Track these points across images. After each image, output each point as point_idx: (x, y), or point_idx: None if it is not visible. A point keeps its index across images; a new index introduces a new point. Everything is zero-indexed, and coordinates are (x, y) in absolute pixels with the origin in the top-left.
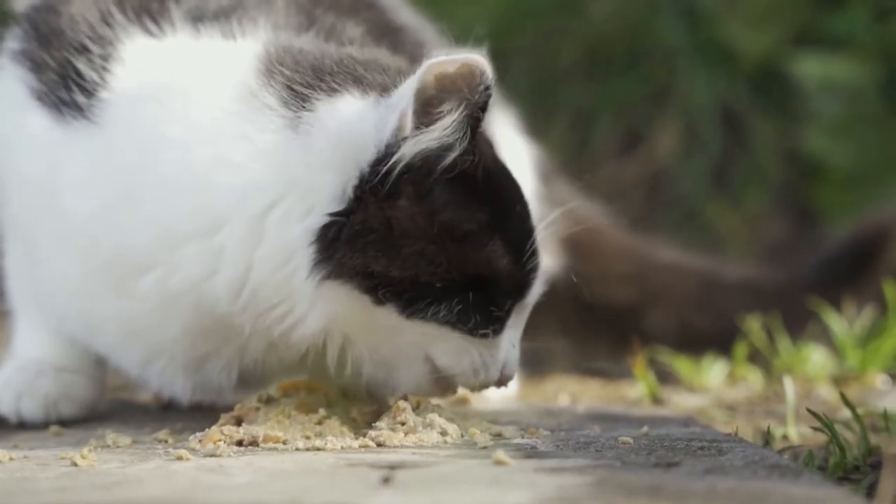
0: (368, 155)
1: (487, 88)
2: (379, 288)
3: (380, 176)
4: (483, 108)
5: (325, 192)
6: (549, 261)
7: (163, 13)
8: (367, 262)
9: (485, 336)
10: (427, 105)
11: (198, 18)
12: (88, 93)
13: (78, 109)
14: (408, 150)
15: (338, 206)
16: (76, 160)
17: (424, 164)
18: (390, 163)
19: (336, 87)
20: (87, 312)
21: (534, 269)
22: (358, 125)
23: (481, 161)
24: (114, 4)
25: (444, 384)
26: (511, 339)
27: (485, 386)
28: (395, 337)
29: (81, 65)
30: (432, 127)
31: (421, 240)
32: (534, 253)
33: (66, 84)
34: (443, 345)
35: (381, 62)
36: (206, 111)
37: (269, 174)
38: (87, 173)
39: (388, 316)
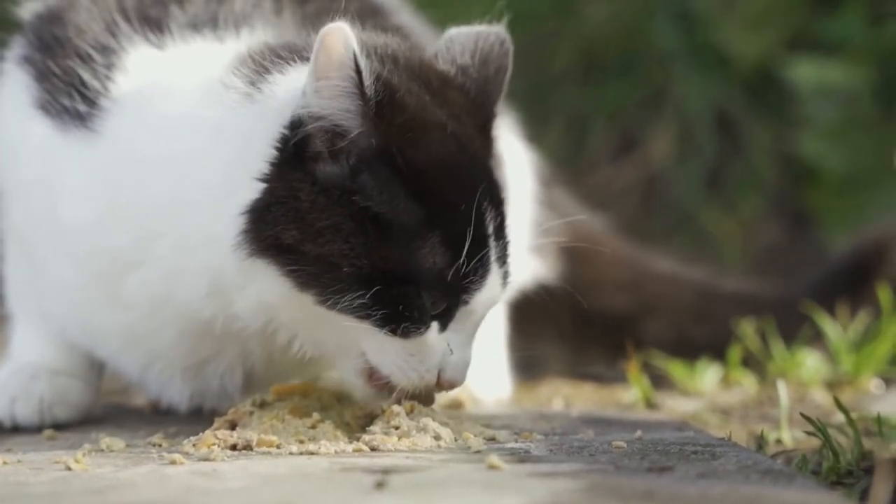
0: (284, 119)
1: (352, 56)
2: (295, 267)
3: (288, 142)
4: (356, 77)
5: (260, 162)
6: (517, 269)
7: (166, 23)
8: (277, 234)
9: (406, 335)
10: (319, 69)
11: (199, 29)
12: (90, 101)
13: (79, 118)
14: (300, 109)
15: (263, 175)
16: (75, 169)
17: (326, 133)
18: (291, 119)
19: (300, 59)
20: (87, 321)
21: (476, 276)
22: (291, 91)
23: (400, 152)
24: (118, 14)
25: (377, 384)
26: (453, 342)
27: (424, 391)
28: (330, 328)
29: (85, 73)
30: (317, 85)
31: (335, 216)
32: (480, 259)
33: (69, 92)
34: (370, 341)
35: None
36: (179, 107)
37: (226, 152)
38: (84, 182)
39: (311, 304)
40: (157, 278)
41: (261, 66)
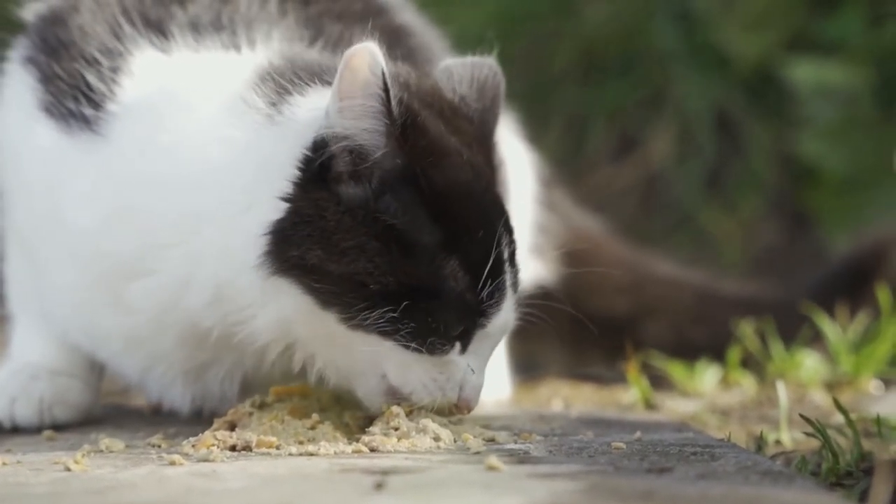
0: (306, 141)
1: (381, 76)
2: (319, 286)
3: (312, 163)
4: (384, 96)
5: (283, 182)
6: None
7: (170, 26)
8: (303, 254)
9: (432, 352)
10: (344, 89)
11: (204, 31)
12: (96, 105)
13: (85, 121)
14: (324, 130)
15: (286, 194)
16: (80, 172)
17: (351, 154)
18: (314, 140)
19: (320, 82)
20: (90, 324)
21: (492, 300)
22: (314, 112)
23: (423, 174)
24: (122, 16)
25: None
26: (471, 364)
27: (441, 406)
28: (350, 348)
29: (91, 76)
30: (340, 106)
31: (360, 236)
32: (496, 286)
33: (74, 95)
34: (393, 360)
35: None
36: (199, 121)
37: (247, 171)
38: (90, 186)
39: (334, 323)
40: (162, 286)
41: (282, 86)
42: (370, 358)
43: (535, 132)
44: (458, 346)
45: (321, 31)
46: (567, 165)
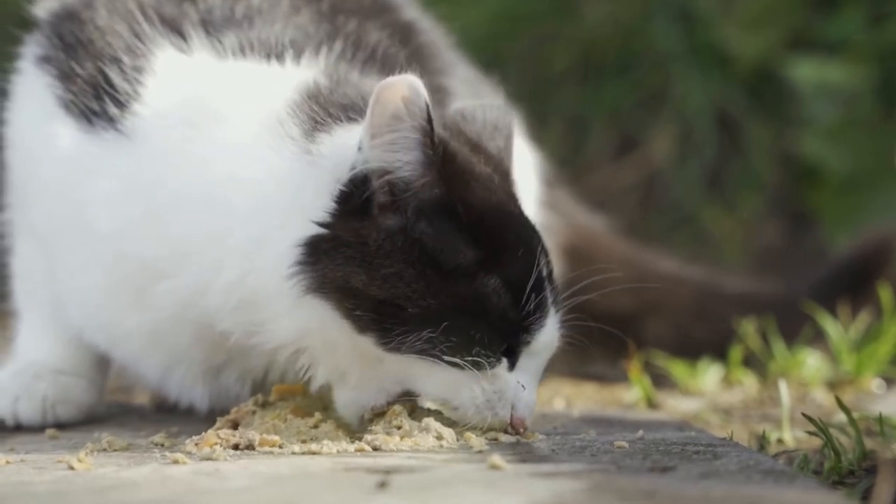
0: (346, 172)
1: (425, 107)
2: (358, 310)
3: (350, 191)
4: (427, 127)
5: (318, 209)
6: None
7: (185, 23)
8: (346, 276)
9: (479, 367)
10: (379, 124)
11: (221, 27)
12: (121, 104)
13: (109, 120)
14: (363, 165)
15: (324, 221)
16: (104, 172)
17: (391, 186)
18: (351, 176)
19: (352, 117)
20: (110, 324)
21: (536, 316)
22: (347, 146)
23: (460, 199)
24: (140, 15)
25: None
26: (521, 380)
27: (494, 426)
28: (378, 365)
29: (114, 75)
30: (378, 142)
31: (399, 262)
32: (539, 302)
33: (97, 94)
34: (434, 378)
35: None
36: (235, 134)
37: (279, 195)
38: (116, 188)
39: (370, 346)
40: (183, 287)
41: (322, 116)
42: (396, 375)
43: (536, 132)
44: (504, 362)
45: (337, 28)
46: (567, 165)
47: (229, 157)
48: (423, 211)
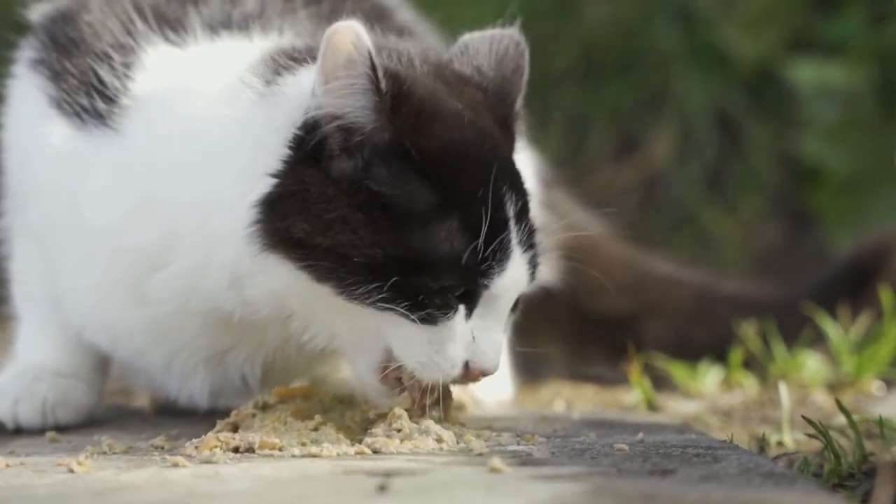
0: (298, 117)
1: (367, 54)
2: (308, 260)
3: (303, 136)
4: (372, 74)
5: (274, 157)
6: (543, 264)
7: (183, 22)
8: (288, 227)
9: (434, 321)
10: (330, 69)
11: (218, 27)
12: (110, 100)
13: (99, 117)
14: (315, 111)
15: (276, 171)
16: (96, 168)
17: (343, 131)
18: (304, 121)
19: (310, 60)
20: (111, 322)
21: (494, 259)
22: (302, 90)
23: (413, 142)
24: (134, 12)
25: (390, 380)
26: (480, 328)
27: (446, 383)
28: (351, 319)
29: (103, 72)
30: (330, 87)
31: (344, 207)
32: (500, 242)
33: (87, 91)
34: (396, 332)
35: None
36: (202, 107)
37: (245, 149)
38: (107, 182)
39: (331, 296)
40: (181, 275)
41: (277, 65)
42: (374, 330)
43: (536, 132)
44: (461, 309)
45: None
46: (568, 166)
47: (196, 128)
48: (375, 156)
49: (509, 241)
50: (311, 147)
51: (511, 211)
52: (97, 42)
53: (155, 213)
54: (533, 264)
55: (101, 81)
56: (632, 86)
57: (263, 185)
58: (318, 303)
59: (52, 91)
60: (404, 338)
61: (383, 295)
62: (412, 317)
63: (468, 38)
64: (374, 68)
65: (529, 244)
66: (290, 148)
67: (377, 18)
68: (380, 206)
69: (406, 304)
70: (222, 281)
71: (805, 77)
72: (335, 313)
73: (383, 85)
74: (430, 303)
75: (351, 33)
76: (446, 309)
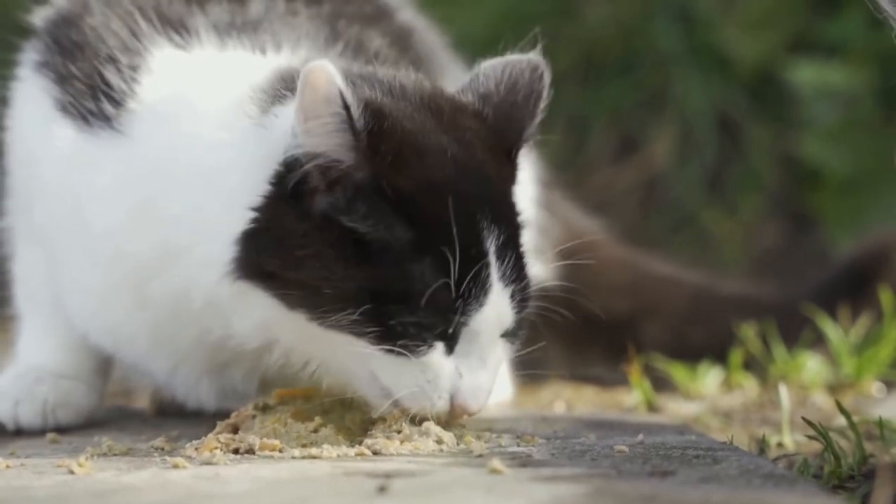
0: (279, 153)
1: (339, 93)
2: (282, 291)
3: (285, 179)
4: (345, 114)
5: (256, 191)
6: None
7: (189, 24)
8: (260, 262)
9: (412, 353)
10: (307, 107)
11: (225, 30)
12: (116, 103)
13: (105, 119)
14: (295, 149)
15: (256, 205)
16: (101, 171)
17: (320, 169)
18: (285, 159)
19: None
20: (114, 325)
21: (472, 296)
22: (287, 122)
23: (389, 180)
24: (140, 15)
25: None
26: (464, 366)
27: (434, 414)
28: (334, 347)
29: (110, 74)
30: (308, 126)
31: (316, 243)
32: (475, 278)
33: (93, 94)
34: (381, 360)
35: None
36: (204, 124)
37: (235, 178)
38: (111, 184)
39: (304, 322)
40: (173, 287)
41: (275, 92)
42: (357, 357)
43: (536, 133)
44: (440, 347)
45: (338, 33)
46: (567, 167)
47: (195, 146)
48: (353, 193)
49: (488, 277)
50: (291, 185)
51: (492, 245)
52: (102, 45)
53: (153, 218)
54: (519, 297)
55: (108, 84)
56: (632, 86)
57: (245, 218)
58: (299, 330)
59: (57, 94)
60: (389, 366)
61: (356, 319)
62: (386, 345)
63: (485, 64)
64: (346, 107)
65: (514, 278)
66: (271, 184)
67: (379, 19)
68: (352, 241)
69: (377, 331)
70: (206, 306)
71: (805, 78)
72: (317, 340)
73: (360, 123)
74: (404, 333)
75: (324, 72)
76: (420, 342)
